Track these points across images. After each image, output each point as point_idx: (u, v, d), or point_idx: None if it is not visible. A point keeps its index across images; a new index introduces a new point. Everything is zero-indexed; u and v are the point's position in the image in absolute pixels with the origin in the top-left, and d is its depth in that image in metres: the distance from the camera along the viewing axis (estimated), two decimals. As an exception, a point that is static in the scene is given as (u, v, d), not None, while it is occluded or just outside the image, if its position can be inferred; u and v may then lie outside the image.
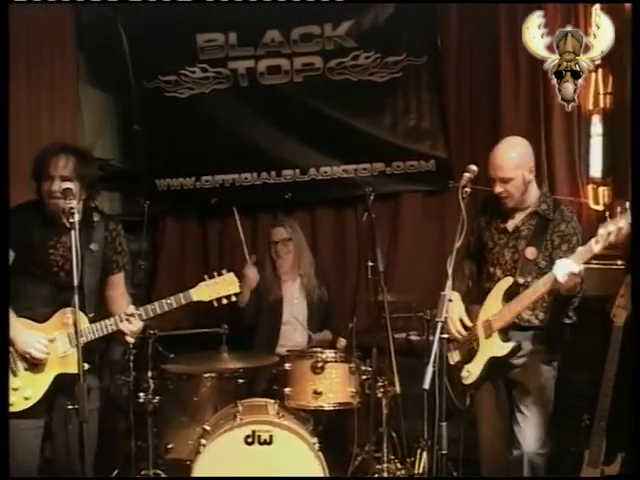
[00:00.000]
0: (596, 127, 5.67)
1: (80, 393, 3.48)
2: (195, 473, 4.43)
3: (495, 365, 4.23)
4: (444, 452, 3.63)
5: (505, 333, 4.22)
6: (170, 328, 5.28)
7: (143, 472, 5.01)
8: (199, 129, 6.61)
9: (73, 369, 3.80)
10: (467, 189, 3.96)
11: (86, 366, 3.76)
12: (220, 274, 4.10)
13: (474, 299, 4.45)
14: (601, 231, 3.76)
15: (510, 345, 4.18)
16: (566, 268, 3.85)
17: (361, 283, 5.04)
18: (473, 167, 4.07)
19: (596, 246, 3.79)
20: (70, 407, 3.62)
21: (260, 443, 4.43)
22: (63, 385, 3.87)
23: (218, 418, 4.74)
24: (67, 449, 3.82)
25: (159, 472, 5.00)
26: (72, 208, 3.65)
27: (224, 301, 4.09)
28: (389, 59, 6.30)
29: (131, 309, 3.98)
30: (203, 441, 4.49)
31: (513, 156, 4.24)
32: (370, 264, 4.82)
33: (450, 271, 3.75)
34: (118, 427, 5.79)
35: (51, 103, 6.26)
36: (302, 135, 6.55)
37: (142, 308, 3.99)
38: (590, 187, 5.69)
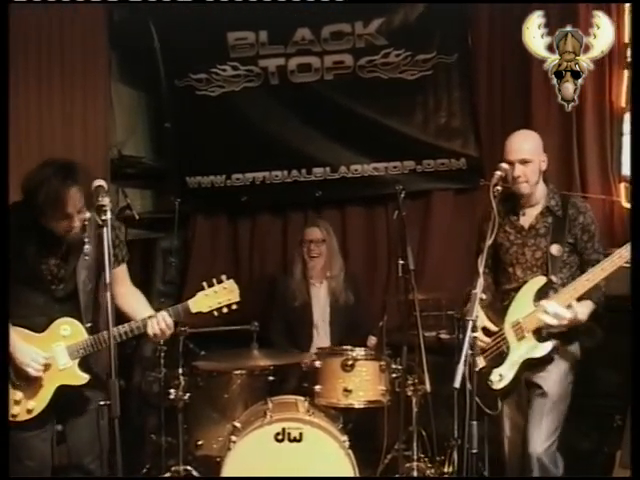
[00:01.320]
0: (628, 125, 5.61)
1: (112, 389, 3.44)
2: (225, 470, 4.45)
3: (527, 366, 4.16)
4: (474, 451, 3.61)
5: (540, 333, 4.11)
6: (201, 325, 5.30)
7: (173, 468, 5.04)
8: (230, 127, 6.63)
9: (74, 381, 3.79)
10: (498, 187, 3.96)
11: (87, 377, 3.78)
12: (220, 281, 3.93)
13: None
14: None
15: (550, 344, 4.08)
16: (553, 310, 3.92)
17: (391, 281, 5.03)
18: (504, 165, 4.07)
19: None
20: (102, 403, 3.63)
21: (290, 440, 4.45)
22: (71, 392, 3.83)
23: (248, 415, 4.76)
24: (99, 445, 3.78)
25: (189, 468, 5.03)
26: (104, 206, 3.47)
27: (224, 310, 3.94)
28: (420, 57, 6.28)
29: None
30: (233, 438, 4.51)
31: (530, 141, 4.26)
32: (400, 262, 4.81)
33: (481, 269, 3.73)
34: (149, 423, 5.84)
35: (84, 101, 6.29)
36: (332, 133, 6.55)
37: (140, 321, 3.87)
38: (622, 185, 5.66)
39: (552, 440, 4.14)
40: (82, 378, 3.79)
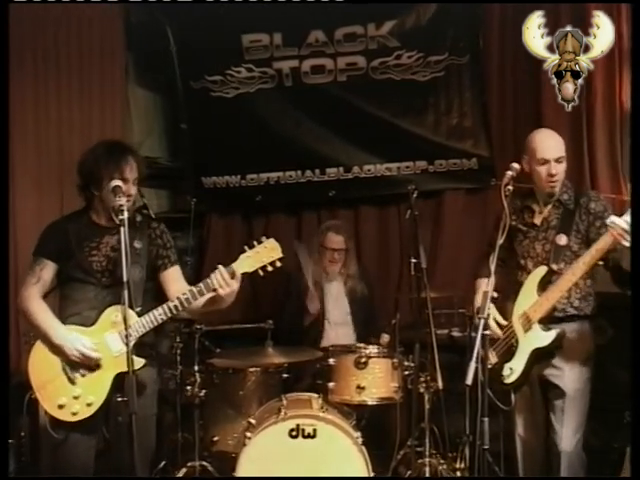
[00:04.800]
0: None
1: (129, 385, 3.48)
2: (240, 466, 4.49)
3: (537, 358, 4.20)
4: (486, 447, 3.64)
5: (545, 322, 4.17)
6: (217, 323, 5.37)
7: (189, 464, 5.09)
8: (244, 128, 6.68)
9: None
10: (509, 187, 3.98)
11: (142, 361, 3.81)
12: (260, 242, 3.93)
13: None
14: None
15: (554, 333, 4.14)
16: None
17: (404, 280, 5.07)
18: (515, 165, 4.09)
19: None
20: (119, 399, 3.66)
21: (304, 437, 4.48)
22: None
23: (263, 412, 4.80)
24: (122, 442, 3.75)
25: (205, 464, 5.09)
26: (121, 205, 3.65)
27: (269, 268, 3.91)
28: (432, 58, 6.32)
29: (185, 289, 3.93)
30: (248, 434, 4.55)
31: (560, 138, 4.32)
32: (413, 261, 4.86)
33: (493, 268, 3.76)
34: (165, 419, 5.90)
35: (101, 103, 6.39)
36: (346, 134, 6.59)
37: (195, 287, 3.91)
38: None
39: (578, 438, 4.20)
40: (138, 362, 3.75)
